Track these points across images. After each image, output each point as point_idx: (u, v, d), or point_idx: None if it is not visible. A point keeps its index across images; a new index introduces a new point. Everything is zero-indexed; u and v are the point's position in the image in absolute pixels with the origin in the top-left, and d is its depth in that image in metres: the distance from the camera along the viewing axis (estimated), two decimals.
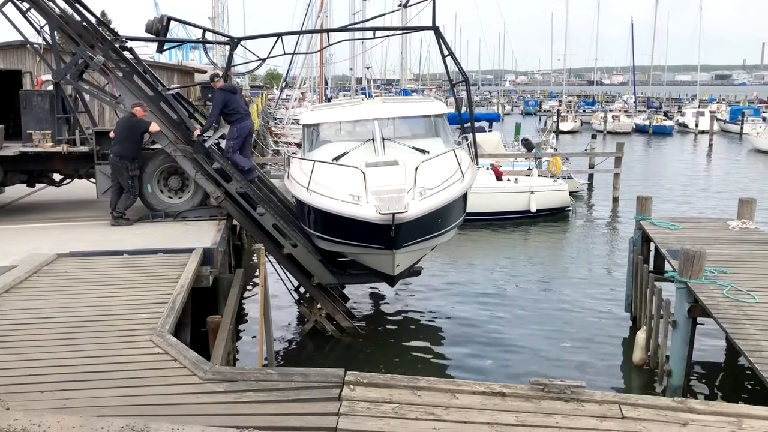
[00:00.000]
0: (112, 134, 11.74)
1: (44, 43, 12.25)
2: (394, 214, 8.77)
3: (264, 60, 13.17)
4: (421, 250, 10.77)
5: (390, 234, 9.11)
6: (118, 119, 12.20)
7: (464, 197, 10.95)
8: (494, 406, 4.91)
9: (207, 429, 4.10)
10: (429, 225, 9.82)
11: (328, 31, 14.77)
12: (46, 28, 11.58)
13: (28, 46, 13.70)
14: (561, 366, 10.99)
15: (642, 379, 10.52)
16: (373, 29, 14.23)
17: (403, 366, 10.78)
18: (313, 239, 11.05)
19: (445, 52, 12.62)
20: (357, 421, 4.65)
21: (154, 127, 11.32)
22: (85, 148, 12.33)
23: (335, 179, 10.00)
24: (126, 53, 12.30)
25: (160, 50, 13.74)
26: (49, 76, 13.70)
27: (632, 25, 78.20)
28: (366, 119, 11.85)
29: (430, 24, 12.67)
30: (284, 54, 13.99)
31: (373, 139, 11.33)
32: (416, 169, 9.38)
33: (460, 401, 4.97)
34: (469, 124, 13.99)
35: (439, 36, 12.57)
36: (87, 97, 13.60)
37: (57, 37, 11.56)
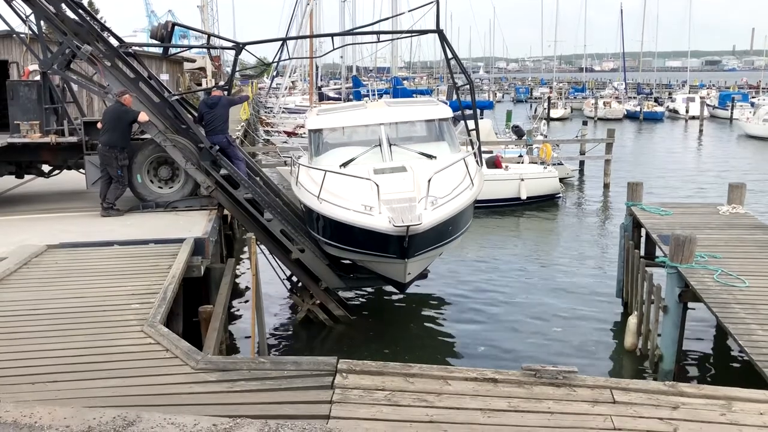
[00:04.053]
0: (99, 124, 11.64)
1: (30, 33, 12.12)
2: (408, 226, 8.75)
3: (269, 65, 13.11)
4: (431, 257, 10.82)
5: (403, 245, 9.13)
6: (105, 108, 12.10)
7: (473, 203, 10.96)
8: (486, 392, 4.93)
9: (199, 418, 4.09)
10: (440, 233, 9.84)
11: (332, 35, 14.62)
12: (32, 18, 11.45)
13: (15, 35, 13.52)
14: (553, 352, 11.05)
15: (633, 364, 10.59)
16: (378, 33, 14.09)
17: (396, 353, 10.81)
18: (322, 245, 11.02)
19: (450, 55, 12.54)
20: (350, 409, 4.66)
21: (143, 116, 11.22)
22: (73, 139, 12.23)
23: (346, 188, 9.96)
24: (130, 58, 12.19)
25: (164, 55, 13.67)
26: (36, 66, 13.56)
27: (621, 10, 78.25)
28: (372, 124, 11.79)
29: (434, 27, 12.46)
30: (289, 59, 13.91)
31: (379, 144, 11.29)
32: (429, 180, 9.36)
33: (452, 388, 4.99)
34: (468, 110, 13.90)
35: (443, 39, 12.42)
36: (75, 87, 13.47)
37: (43, 27, 11.43)
